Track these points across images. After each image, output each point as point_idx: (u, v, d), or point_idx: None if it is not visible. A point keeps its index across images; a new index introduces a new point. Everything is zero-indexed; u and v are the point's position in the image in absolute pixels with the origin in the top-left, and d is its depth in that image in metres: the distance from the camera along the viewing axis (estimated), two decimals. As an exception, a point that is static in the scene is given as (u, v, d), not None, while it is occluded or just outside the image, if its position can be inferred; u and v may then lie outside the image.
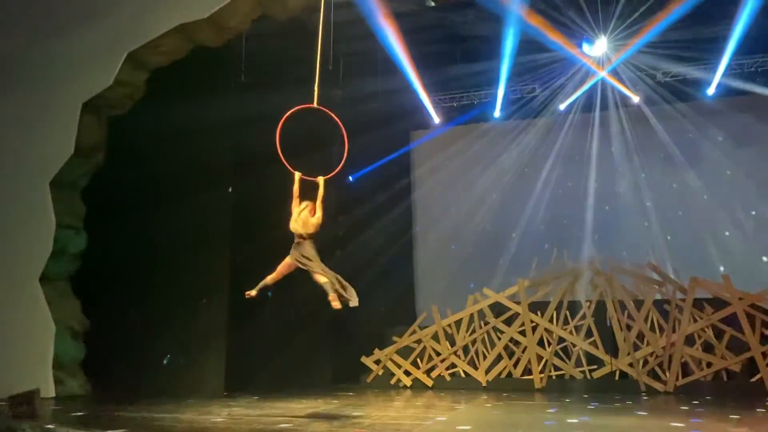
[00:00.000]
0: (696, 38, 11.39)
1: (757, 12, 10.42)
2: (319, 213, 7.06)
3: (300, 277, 11.65)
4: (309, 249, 7.06)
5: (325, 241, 12.38)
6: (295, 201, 7.08)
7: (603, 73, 12.12)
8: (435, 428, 6.66)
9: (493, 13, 10.66)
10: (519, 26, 10.67)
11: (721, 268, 11.74)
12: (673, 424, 6.82)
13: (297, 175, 7.15)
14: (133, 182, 10.88)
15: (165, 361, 10.51)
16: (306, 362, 11.82)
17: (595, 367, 11.26)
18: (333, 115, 7.33)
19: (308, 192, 7.18)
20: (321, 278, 7.01)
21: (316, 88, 7.34)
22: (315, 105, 7.33)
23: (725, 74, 12.07)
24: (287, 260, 7.12)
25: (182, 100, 10.50)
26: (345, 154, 7.28)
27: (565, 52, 11.97)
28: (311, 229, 7.06)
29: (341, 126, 7.36)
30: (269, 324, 11.17)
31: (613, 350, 11.21)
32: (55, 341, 9.80)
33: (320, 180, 7.17)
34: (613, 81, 12.49)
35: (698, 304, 11.00)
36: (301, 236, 7.07)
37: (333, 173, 7.21)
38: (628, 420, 7.40)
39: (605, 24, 11.54)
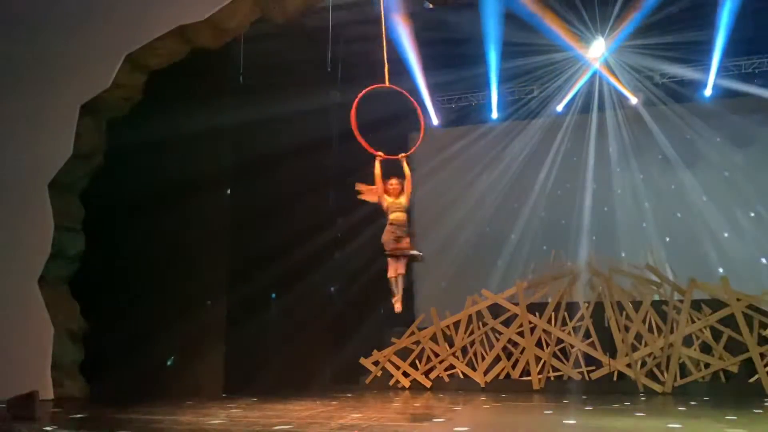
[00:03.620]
0: (694, 40, 11.42)
1: (737, 14, 10.46)
2: (408, 188, 7.05)
3: (299, 277, 11.74)
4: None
5: (324, 242, 12.48)
6: (379, 182, 7.01)
7: (597, 65, 12.12)
8: (434, 429, 6.67)
9: (491, 15, 10.68)
10: (516, 27, 10.68)
11: (720, 270, 11.77)
12: (671, 425, 6.84)
13: (379, 155, 7.04)
14: (131, 184, 10.89)
15: (169, 362, 10.48)
16: (305, 364, 11.83)
17: (594, 368, 11.27)
18: (405, 93, 7.37)
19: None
20: (402, 269, 6.92)
21: (385, 68, 7.34)
22: (387, 84, 7.31)
23: (723, 75, 12.11)
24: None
25: (181, 102, 10.53)
26: (422, 131, 7.25)
27: (563, 52, 12.00)
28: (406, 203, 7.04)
29: (414, 103, 7.38)
30: (268, 326, 11.19)
31: (611, 351, 11.22)
32: (54, 343, 9.78)
33: (402, 157, 7.11)
34: (610, 77, 12.50)
35: (696, 305, 11.02)
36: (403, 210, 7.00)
37: (413, 149, 7.24)
38: (626, 421, 7.41)
39: (603, 25, 11.58)
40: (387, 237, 6.96)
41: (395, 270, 7.03)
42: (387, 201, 7.07)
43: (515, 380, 11.49)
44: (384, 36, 7.50)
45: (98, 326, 10.39)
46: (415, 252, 7.05)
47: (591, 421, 7.37)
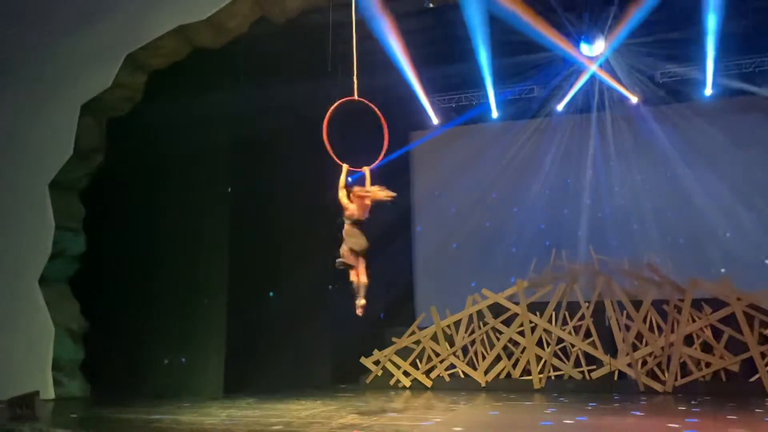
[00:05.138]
0: (694, 38, 11.39)
1: (736, 13, 10.44)
2: (368, 201, 7.15)
3: (299, 277, 11.73)
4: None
5: (324, 241, 12.47)
6: (343, 191, 7.19)
7: (594, 67, 12.11)
8: (434, 429, 6.67)
9: (489, 14, 10.67)
10: (516, 26, 10.66)
11: (721, 270, 11.75)
12: (671, 424, 6.84)
13: (345, 167, 7.29)
14: (131, 184, 10.89)
15: (166, 361, 10.49)
16: (305, 363, 11.83)
17: (594, 367, 11.26)
18: (373, 106, 7.56)
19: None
20: (364, 278, 7.02)
21: (354, 80, 7.58)
22: (356, 97, 7.56)
23: (724, 75, 12.08)
24: (350, 248, 7.03)
25: (181, 102, 10.52)
26: (386, 143, 7.51)
27: (562, 52, 11.98)
28: (366, 215, 7.15)
29: (381, 116, 7.58)
30: (268, 325, 11.18)
31: (611, 351, 11.21)
32: (55, 343, 9.82)
33: (366, 170, 7.38)
34: (609, 80, 12.49)
35: (697, 304, 11.00)
36: (359, 222, 7.09)
37: (377, 162, 7.44)
38: (627, 420, 7.42)
39: (603, 24, 11.56)
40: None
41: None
42: (349, 208, 7.13)
43: (516, 380, 11.49)
44: (354, 49, 7.62)
45: (98, 326, 10.40)
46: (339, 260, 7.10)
47: (591, 420, 7.38)
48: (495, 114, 13.53)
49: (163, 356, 10.47)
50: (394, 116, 13.55)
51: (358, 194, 7.10)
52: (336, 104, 7.44)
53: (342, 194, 7.15)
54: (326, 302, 12.24)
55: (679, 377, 10.71)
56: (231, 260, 10.47)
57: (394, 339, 12.41)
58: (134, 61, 10.10)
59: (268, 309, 11.24)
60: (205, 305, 10.40)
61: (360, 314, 7.06)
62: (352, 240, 7.03)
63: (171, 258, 10.57)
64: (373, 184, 7.26)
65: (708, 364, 10.68)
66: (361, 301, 7.01)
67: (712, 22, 10.49)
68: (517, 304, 11.80)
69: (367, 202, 7.12)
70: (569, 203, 13.38)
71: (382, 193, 7.13)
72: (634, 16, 10.81)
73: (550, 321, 11.59)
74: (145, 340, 10.41)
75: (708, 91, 12.24)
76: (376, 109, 7.58)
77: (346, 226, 7.09)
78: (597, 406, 8.65)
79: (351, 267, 7.03)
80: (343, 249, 7.04)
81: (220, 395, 9.89)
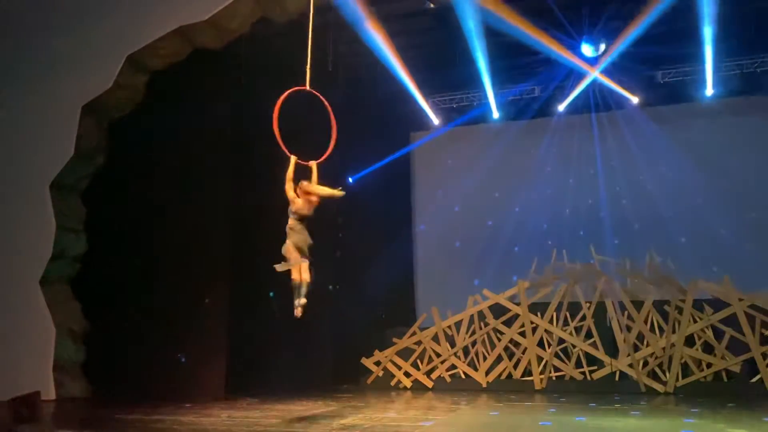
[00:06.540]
0: (693, 38, 11.38)
1: (736, 14, 10.43)
2: (314, 198, 6.94)
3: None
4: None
5: (325, 241, 12.47)
6: (290, 184, 6.93)
7: (596, 73, 12.10)
8: (435, 429, 6.67)
9: (489, 16, 10.67)
10: (515, 30, 10.66)
11: (723, 270, 11.73)
12: (672, 425, 6.84)
13: (293, 158, 7.05)
14: (133, 184, 10.89)
15: (182, 359, 10.45)
16: (306, 363, 11.82)
17: (595, 368, 11.27)
18: (322, 98, 7.34)
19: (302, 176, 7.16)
20: (307, 277, 6.84)
21: (308, 70, 7.32)
22: (307, 88, 7.31)
23: (725, 75, 12.06)
24: (294, 246, 6.77)
25: (182, 102, 10.52)
26: (333, 137, 7.26)
27: (563, 53, 11.97)
28: (312, 212, 6.93)
29: (329, 109, 7.37)
30: (269, 326, 11.18)
31: (612, 351, 11.22)
32: (56, 344, 9.81)
33: (313, 165, 7.14)
34: (608, 82, 12.48)
35: (698, 304, 11.01)
36: (304, 218, 6.87)
37: (323, 157, 7.20)
38: (628, 421, 7.41)
39: (604, 26, 11.56)
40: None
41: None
42: (296, 203, 6.90)
43: (517, 380, 11.49)
44: (309, 40, 7.46)
45: (100, 326, 10.40)
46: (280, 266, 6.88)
47: (592, 420, 7.37)
48: (496, 114, 13.52)
49: (164, 356, 10.45)
50: (395, 117, 13.67)
51: (304, 189, 6.88)
52: (286, 93, 7.16)
53: (288, 187, 6.88)
54: (327, 302, 12.23)
55: (680, 378, 10.71)
56: (232, 260, 10.46)
57: (395, 339, 12.42)
58: (135, 62, 10.08)
59: (269, 309, 11.23)
60: (206, 305, 10.38)
61: (298, 315, 6.76)
62: (296, 236, 6.76)
63: (172, 258, 10.56)
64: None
65: (709, 365, 10.68)
66: (301, 301, 6.74)
67: (712, 22, 10.49)
68: (518, 304, 11.80)
69: (314, 198, 6.89)
70: (570, 203, 13.36)
71: (328, 191, 6.95)
72: (636, 20, 10.80)
73: (551, 321, 11.60)
74: (145, 340, 10.39)
75: (709, 91, 12.23)
76: (325, 101, 7.33)
77: (291, 221, 6.81)
78: (598, 407, 8.64)
79: (289, 269, 6.74)
80: (287, 245, 6.77)
81: (222, 396, 9.88)
